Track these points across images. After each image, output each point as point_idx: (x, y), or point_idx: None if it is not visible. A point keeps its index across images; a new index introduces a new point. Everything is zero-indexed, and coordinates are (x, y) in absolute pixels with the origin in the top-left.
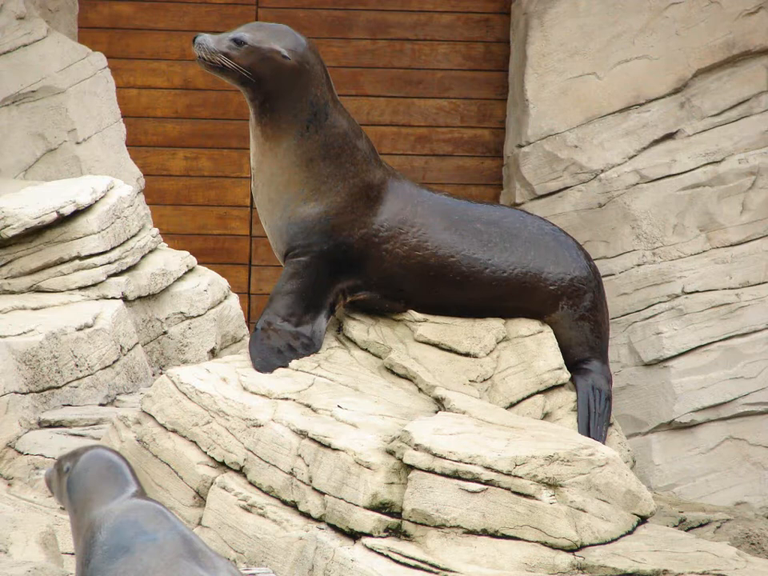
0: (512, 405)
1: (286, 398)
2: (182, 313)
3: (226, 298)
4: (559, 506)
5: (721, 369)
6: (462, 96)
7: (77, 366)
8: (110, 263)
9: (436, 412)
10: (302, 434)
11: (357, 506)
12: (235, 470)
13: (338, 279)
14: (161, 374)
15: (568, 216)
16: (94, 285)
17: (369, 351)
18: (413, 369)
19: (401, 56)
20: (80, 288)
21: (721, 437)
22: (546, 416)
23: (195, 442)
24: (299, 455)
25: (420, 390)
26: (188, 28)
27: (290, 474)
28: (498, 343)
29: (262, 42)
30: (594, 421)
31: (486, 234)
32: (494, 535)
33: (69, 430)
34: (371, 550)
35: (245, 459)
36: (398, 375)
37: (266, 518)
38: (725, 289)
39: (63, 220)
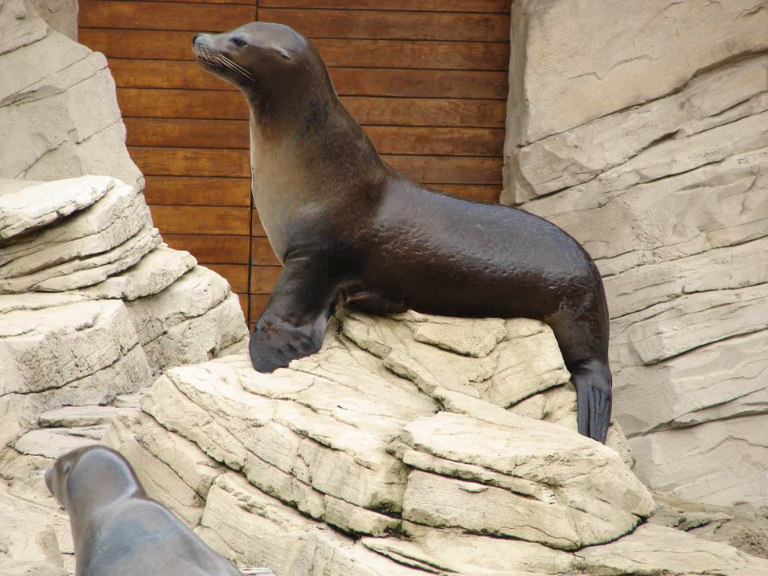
0: (512, 405)
1: (286, 398)
2: (182, 313)
3: (225, 297)
4: (559, 505)
5: (721, 369)
6: (462, 96)
7: (77, 366)
8: (109, 263)
9: (436, 412)
10: (302, 434)
11: (357, 505)
12: (235, 470)
13: (338, 279)
14: (161, 373)
15: (568, 216)
16: (94, 285)
17: (369, 351)
18: (413, 369)
19: (401, 56)
20: (80, 288)
21: (721, 437)
22: (546, 416)
23: (195, 442)
24: (299, 455)
25: (420, 390)
26: (188, 28)
27: (290, 473)
28: (498, 343)
29: (262, 42)
30: (594, 421)
31: (486, 234)
32: (494, 535)
33: (69, 429)
34: (371, 550)
35: (245, 459)
36: (398, 375)
37: (266, 518)
38: (725, 289)
39: (63, 220)
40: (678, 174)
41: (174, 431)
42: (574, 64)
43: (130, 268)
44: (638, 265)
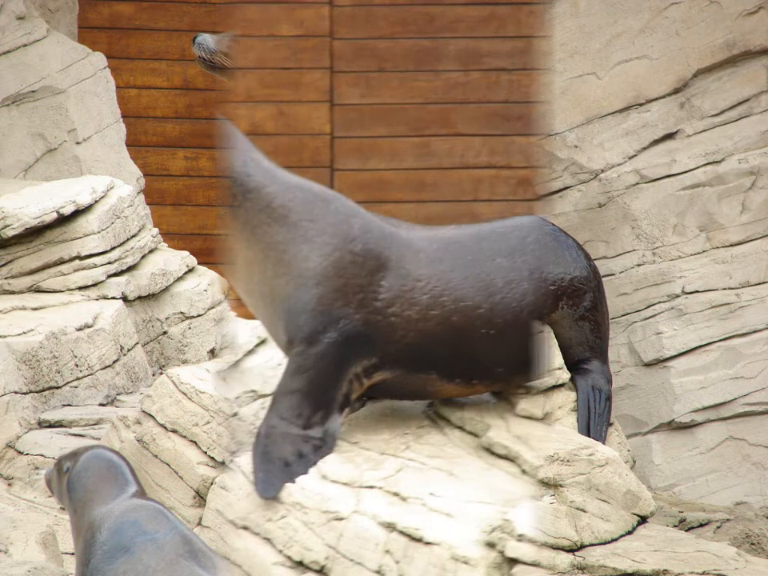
0: None
1: None
2: (182, 313)
3: (226, 298)
4: (559, 506)
5: (721, 369)
6: None
7: (77, 366)
8: (109, 263)
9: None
10: None
11: None
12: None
13: None
14: (161, 373)
15: (568, 216)
16: (94, 285)
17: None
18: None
19: None
20: (80, 288)
21: (721, 437)
22: (546, 416)
23: (195, 442)
24: None
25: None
26: (188, 28)
27: None
28: None
29: None
30: (594, 421)
31: None
32: None
33: (69, 429)
34: None
35: None
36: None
37: None
38: (725, 289)
39: (63, 220)
40: (678, 173)
41: (174, 431)
42: (574, 64)
43: (130, 268)
44: (638, 265)
